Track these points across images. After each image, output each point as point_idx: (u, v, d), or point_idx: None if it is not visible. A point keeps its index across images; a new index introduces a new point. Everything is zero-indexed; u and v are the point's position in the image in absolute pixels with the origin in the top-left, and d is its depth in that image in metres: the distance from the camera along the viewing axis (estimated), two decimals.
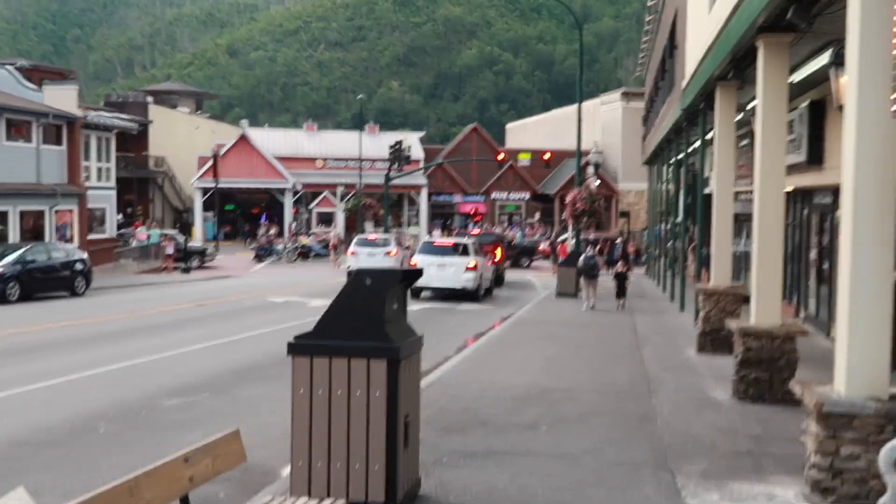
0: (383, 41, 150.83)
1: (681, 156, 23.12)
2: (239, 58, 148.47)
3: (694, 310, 16.49)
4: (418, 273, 5.41)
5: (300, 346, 4.97)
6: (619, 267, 22.80)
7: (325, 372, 4.89)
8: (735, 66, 10.30)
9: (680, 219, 33.07)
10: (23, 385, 9.99)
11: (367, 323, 4.74)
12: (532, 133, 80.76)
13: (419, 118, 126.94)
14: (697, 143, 21.64)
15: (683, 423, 8.34)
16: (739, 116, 18.45)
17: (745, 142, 20.10)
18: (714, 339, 12.55)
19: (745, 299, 12.33)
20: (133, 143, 63.35)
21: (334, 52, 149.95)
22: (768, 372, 9.11)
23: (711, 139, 17.28)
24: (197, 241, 56.66)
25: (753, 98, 12.51)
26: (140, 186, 63.53)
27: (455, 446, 7.13)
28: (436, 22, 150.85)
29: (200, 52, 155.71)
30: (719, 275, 12.62)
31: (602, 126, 61.82)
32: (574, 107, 75.71)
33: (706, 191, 27.70)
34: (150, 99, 70.31)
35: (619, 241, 41.86)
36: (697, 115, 15.91)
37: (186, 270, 37.55)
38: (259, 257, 46.32)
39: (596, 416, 8.47)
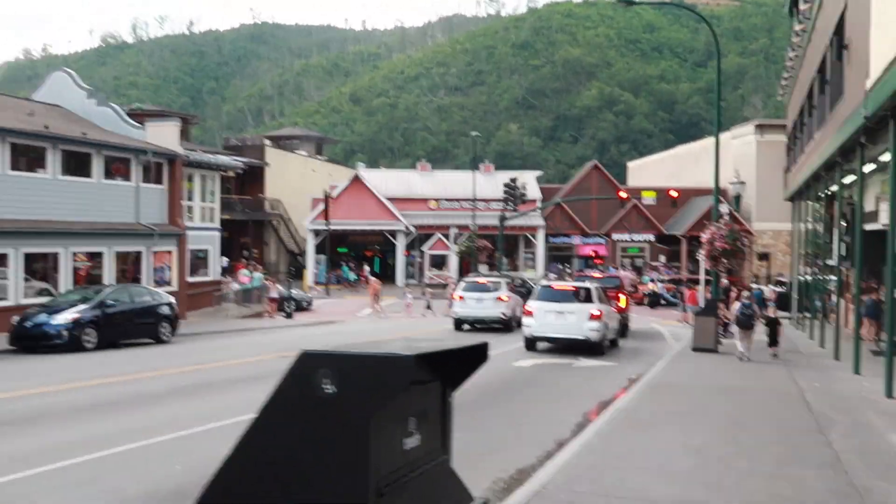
0: (502, 84, 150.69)
1: (847, 181, 19.31)
2: (362, 105, 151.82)
3: (887, 374, 12.77)
4: (473, 354, 2.47)
5: None
6: (771, 313, 20.80)
7: None
8: None
9: (838, 260, 28.80)
10: None
11: (326, 486, 1.89)
12: (655, 171, 76.70)
13: (538, 160, 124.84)
14: (868, 168, 17.83)
15: None
16: None
17: None
18: None
19: None
20: (250, 185, 63.43)
21: (454, 97, 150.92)
22: None
23: None
24: (309, 284, 55.56)
25: None
26: (255, 229, 63.35)
27: None
28: (555, 64, 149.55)
29: (325, 100, 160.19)
30: None
31: (734, 161, 57.15)
32: (700, 143, 71.71)
33: (871, 226, 23.54)
34: (267, 142, 70.70)
35: (756, 286, 37.50)
36: (885, 124, 12.37)
37: (289, 315, 35.86)
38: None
39: None
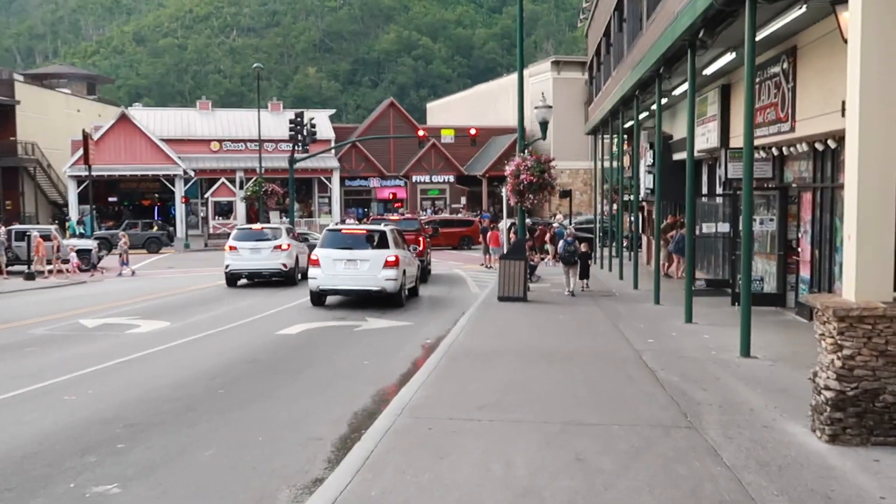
0: (298, 26, 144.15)
1: (664, 101, 16.83)
2: (147, 45, 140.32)
3: (743, 328, 10.09)
4: None
5: None
6: (582, 247, 20.06)
7: None
8: None
9: (644, 194, 27.04)
10: None
11: None
12: (454, 112, 74.56)
13: (337, 105, 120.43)
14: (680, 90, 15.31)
15: None
16: (771, 30, 12.16)
17: (774, 70, 13.82)
18: (864, 415, 6.05)
19: None
20: None
21: (248, 39, 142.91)
22: None
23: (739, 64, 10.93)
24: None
25: None
26: (7, 177, 54.64)
27: None
28: (352, 6, 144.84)
29: (105, 39, 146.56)
30: (870, 281, 6.08)
31: (531, 100, 55.65)
32: (498, 81, 69.95)
33: (679, 156, 21.59)
34: (19, 77, 61.15)
35: (557, 225, 35.80)
36: (735, 7, 9.51)
37: (30, 276, 29.76)
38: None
39: None
